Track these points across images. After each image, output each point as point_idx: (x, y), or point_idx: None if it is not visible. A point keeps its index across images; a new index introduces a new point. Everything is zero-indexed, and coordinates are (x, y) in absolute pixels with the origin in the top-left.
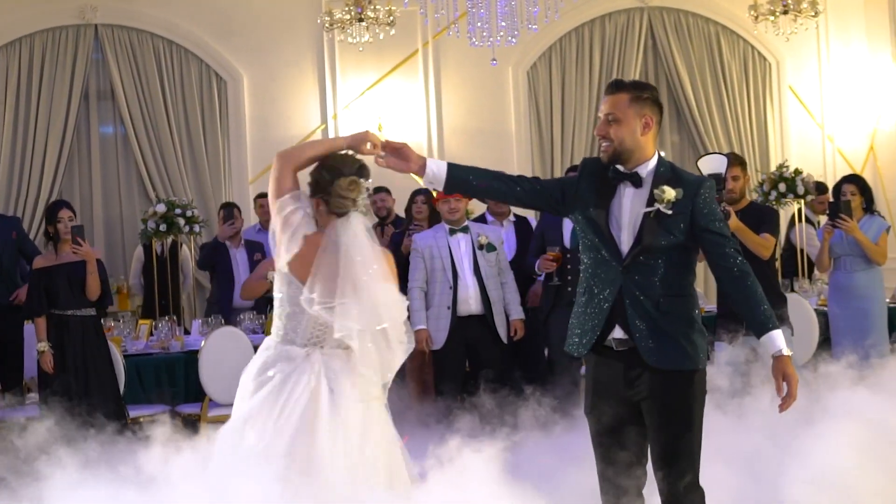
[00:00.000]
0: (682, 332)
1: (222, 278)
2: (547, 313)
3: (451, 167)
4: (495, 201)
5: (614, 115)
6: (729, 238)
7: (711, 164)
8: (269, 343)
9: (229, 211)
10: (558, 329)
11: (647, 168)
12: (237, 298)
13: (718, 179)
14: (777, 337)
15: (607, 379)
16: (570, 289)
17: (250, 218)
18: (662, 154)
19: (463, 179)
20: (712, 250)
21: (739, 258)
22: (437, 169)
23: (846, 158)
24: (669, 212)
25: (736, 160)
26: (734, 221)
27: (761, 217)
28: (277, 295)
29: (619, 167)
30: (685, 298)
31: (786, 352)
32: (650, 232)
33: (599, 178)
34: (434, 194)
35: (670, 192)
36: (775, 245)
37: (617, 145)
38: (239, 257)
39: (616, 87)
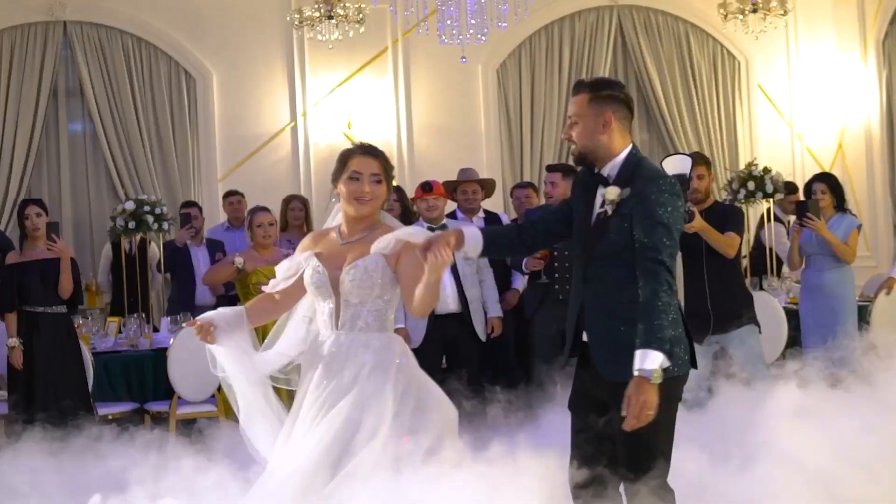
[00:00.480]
0: (621, 337)
1: (183, 279)
2: (533, 311)
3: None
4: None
5: (574, 117)
6: (649, 245)
7: (675, 165)
8: None
9: (186, 216)
10: (543, 327)
11: (614, 167)
12: (199, 297)
13: (683, 180)
14: (645, 356)
15: (584, 379)
16: (556, 286)
17: (219, 216)
18: (632, 150)
19: (496, 244)
20: (636, 253)
21: (653, 270)
22: (475, 241)
23: (815, 157)
24: (613, 213)
25: (701, 160)
26: (698, 222)
27: (726, 216)
28: None
29: (596, 169)
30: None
31: (648, 374)
32: (594, 236)
33: (583, 184)
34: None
35: (612, 192)
36: (741, 243)
37: (580, 147)
38: (200, 256)
39: (576, 88)
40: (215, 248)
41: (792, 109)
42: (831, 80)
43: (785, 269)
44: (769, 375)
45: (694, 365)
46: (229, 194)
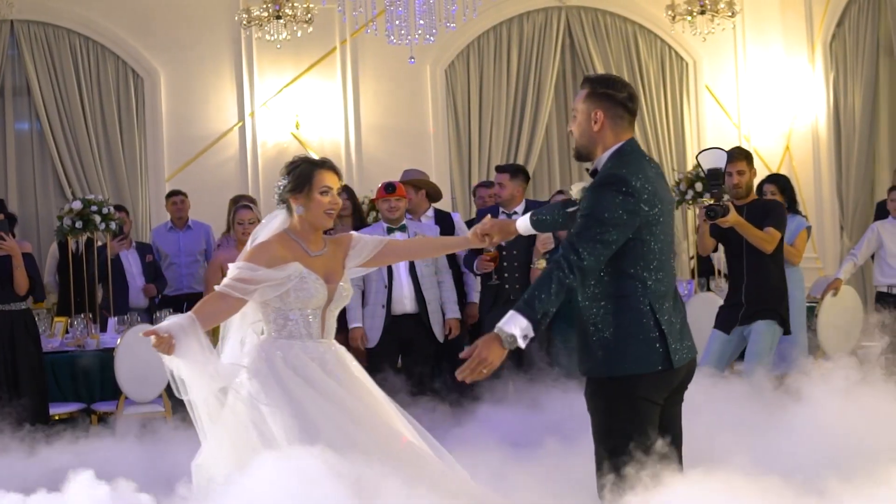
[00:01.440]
0: (601, 337)
1: (115, 283)
2: (485, 312)
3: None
4: None
5: (574, 111)
6: (573, 233)
7: (710, 159)
8: None
9: (119, 225)
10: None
11: (600, 162)
12: (133, 300)
13: (717, 174)
14: (511, 318)
15: None
16: (507, 287)
17: (166, 215)
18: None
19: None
20: None
21: (562, 253)
22: (524, 224)
23: (762, 158)
24: (576, 210)
25: (741, 154)
26: (732, 216)
27: (767, 212)
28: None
29: (589, 166)
30: (612, 301)
31: (504, 335)
32: (565, 232)
33: None
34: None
35: (574, 189)
36: (781, 239)
37: (576, 142)
38: (131, 258)
39: (582, 82)
40: (145, 251)
41: (739, 111)
42: (779, 81)
43: None
44: (766, 374)
45: (666, 365)
46: (172, 194)
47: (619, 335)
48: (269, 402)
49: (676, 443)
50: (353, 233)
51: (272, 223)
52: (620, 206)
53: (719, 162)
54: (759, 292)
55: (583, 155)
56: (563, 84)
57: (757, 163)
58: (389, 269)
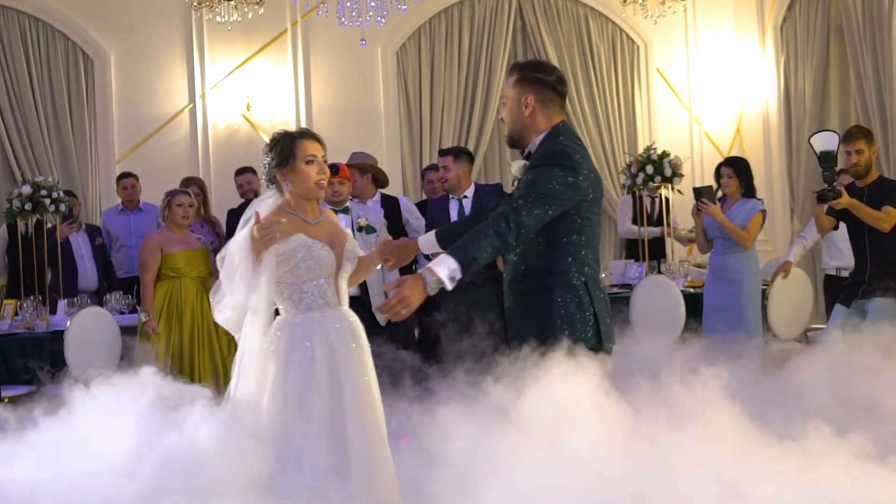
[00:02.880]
0: (534, 309)
1: (65, 265)
2: (440, 296)
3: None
4: None
5: (504, 98)
6: (514, 196)
7: (823, 142)
8: None
9: (69, 208)
10: (449, 311)
11: (534, 145)
12: (82, 282)
13: (830, 157)
14: (440, 261)
15: None
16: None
17: (116, 198)
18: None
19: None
20: None
21: (502, 210)
22: (428, 241)
23: (713, 141)
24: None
25: (859, 133)
26: (846, 199)
27: (886, 191)
28: None
29: (524, 150)
30: (540, 277)
31: (429, 280)
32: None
33: None
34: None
35: (514, 168)
36: None
37: (508, 129)
38: (81, 241)
39: (511, 68)
40: (95, 234)
41: (690, 94)
42: (730, 64)
43: (683, 253)
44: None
45: (594, 343)
46: (123, 176)
47: (554, 309)
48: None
49: None
50: (348, 231)
51: (264, 204)
52: (562, 181)
53: (831, 144)
54: (886, 268)
55: (516, 141)
56: None
57: (707, 146)
58: None
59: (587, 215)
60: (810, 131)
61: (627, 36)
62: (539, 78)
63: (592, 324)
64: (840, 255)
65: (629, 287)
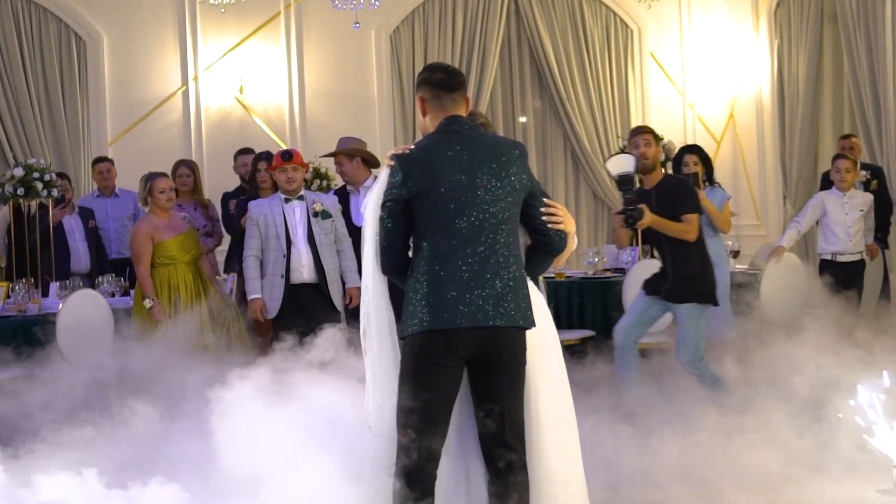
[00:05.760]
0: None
1: (57, 248)
2: None
3: None
4: None
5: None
6: None
7: (619, 165)
8: None
9: (61, 195)
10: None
11: None
12: (74, 265)
13: (628, 179)
14: None
15: None
16: None
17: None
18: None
19: None
20: None
21: None
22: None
23: (706, 126)
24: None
25: (645, 128)
26: (649, 217)
27: (677, 195)
28: None
29: None
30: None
31: None
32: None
33: None
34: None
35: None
36: (700, 215)
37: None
38: (74, 224)
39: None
40: (87, 217)
41: (684, 78)
42: (723, 49)
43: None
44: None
45: (436, 325)
46: (98, 161)
47: (406, 296)
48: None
49: (494, 415)
50: None
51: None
52: (387, 181)
53: (628, 167)
54: (683, 282)
55: None
56: (507, 50)
57: (701, 130)
58: (288, 238)
59: (426, 205)
60: (804, 116)
61: (621, 20)
62: (424, 78)
63: (425, 306)
64: (836, 239)
65: (622, 271)
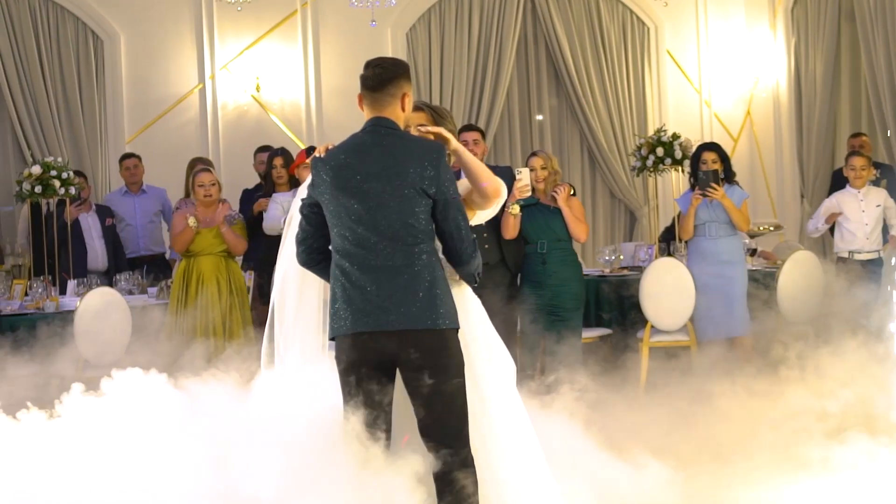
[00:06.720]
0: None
1: (74, 246)
2: None
3: None
4: None
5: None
6: None
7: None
8: None
9: (77, 191)
10: None
11: None
12: (92, 263)
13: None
14: None
15: None
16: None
17: (121, 179)
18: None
19: None
20: None
21: None
22: None
23: (723, 124)
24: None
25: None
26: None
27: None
28: None
29: None
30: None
31: None
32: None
33: None
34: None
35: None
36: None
37: None
38: (91, 221)
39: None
40: (105, 214)
41: (701, 76)
42: (740, 46)
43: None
44: None
45: (353, 328)
46: (126, 157)
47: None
48: None
49: (420, 414)
50: None
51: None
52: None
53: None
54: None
55: None
56: (524, 48)
57: (718, 128)
58: None
59: (334, 207)
60: (821, 114)
61: (638, 18)
62: (361, 76)
63: (346, 309)
64: (853, 237)
65: (639, 269)
